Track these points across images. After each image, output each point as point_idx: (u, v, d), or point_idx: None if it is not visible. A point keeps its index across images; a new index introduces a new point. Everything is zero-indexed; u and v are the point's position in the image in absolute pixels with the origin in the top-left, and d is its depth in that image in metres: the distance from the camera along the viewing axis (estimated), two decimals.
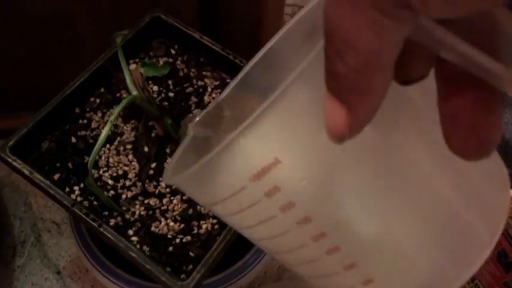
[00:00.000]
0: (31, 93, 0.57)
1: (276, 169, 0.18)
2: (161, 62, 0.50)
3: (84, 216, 0.40)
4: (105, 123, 0.47)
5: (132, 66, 0.39)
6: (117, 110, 0.38)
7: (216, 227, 0.41)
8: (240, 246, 0.47)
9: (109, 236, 0.39)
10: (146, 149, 0.45)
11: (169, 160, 0.34)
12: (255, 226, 0.21)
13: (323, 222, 0.20)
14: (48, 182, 0.42)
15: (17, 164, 0.42)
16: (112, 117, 0.37)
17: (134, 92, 0.39)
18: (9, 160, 0.42)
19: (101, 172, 0.44)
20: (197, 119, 0.26)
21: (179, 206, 0.43)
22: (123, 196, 0.43)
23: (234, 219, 0.22)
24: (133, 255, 0.38)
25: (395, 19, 0.14)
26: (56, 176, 0.43)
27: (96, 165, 0.44)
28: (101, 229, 0.39)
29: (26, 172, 0.42)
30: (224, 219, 0.22)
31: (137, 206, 0.42)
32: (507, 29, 0.16)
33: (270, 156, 0.18)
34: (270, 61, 0.27)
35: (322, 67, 0.16)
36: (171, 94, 0.48)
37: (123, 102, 0.38)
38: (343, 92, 0.16)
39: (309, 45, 0.26)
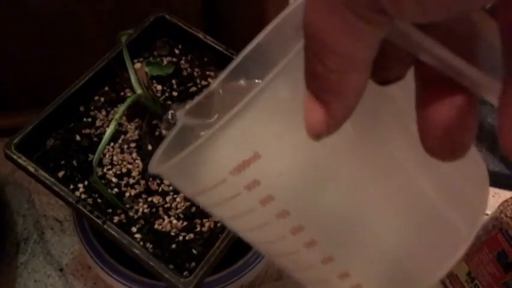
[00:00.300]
0: (34, 92, 0.58)
1: (256, 163, 0.19)
2: (165, 62, 0.50)
3: (88, 213, 0.40)
4: (110, 121, 0.47)
5: (137, 65, 0.40)
6: (122, 108, 0.38)
7: (219, 224, 0.42)
8: (241, 245, 0.47)
9: (113, 233, 0.40)
10: (150, 147, 0.45)
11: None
12: (236, 218, 0.22)
13: (301, 216, 0.21)
14: (52, 179, 0.42)
15: (22, 161, 0.42)
16: (117, 116, 0.38)
17: (139, 91, 0.40)
18: (15, 157, 0.42)
19: (105, 170, 0.45)
20: (186, 107, 0.27)
21: (182, 203, 0.43)
22: (127, 194, 0.43)
23: (215, 210, 0.22)
24: (137, 252, 0.39)
25: (371, 23, 0.15)
26: (61, 174, 0.44)
27: (100, 163, 0.45)
28: (105, 226, 0.40)
29: (31, 169, 0.42)
30: (207, 209, 0.23)
31: (141, 204, 0.43)
32: (485, 34, 0.16)
33: (249, 150, 0.19)
34: (259, 54, 0.27)
35: (303, 65, 0.17)
36: (174, 93, 0.49)
37: (128, 101, 0.38)
38: (321, 91, 0.16)
39: (297, 40, 0.27)
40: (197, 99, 0.27)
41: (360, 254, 0.22)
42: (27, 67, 0.59)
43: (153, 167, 0.23)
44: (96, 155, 0.38)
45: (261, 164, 0.19)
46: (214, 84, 0.27)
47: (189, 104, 0.27)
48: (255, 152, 0.19)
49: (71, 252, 0.59)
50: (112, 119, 0.47)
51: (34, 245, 0.60)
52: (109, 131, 0.37)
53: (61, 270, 0.58)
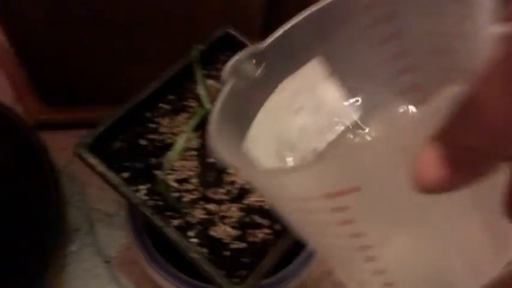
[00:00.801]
0: (103, 91, 0.61)
1: (353, 194, 0.19)
2: None
3: (152, 215, 0.43)
4: (172, 127, 0.50)
5: (210, 82, 0.42)
6: (193, 122, 0.41)
7: (271, 237, 0.44)
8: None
9: (173, 236, 0.42)
10: (209, 157, 0.48)
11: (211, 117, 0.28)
12: (306, 224, 0.22)
13: (374, 240, 0.22)
14: (118, 180, 0.45)
15: (93, 161, 0.45)
16: (188, 128, 0.40)
17: (208, 106, 0.43)
18: (85, 157, 0.45)
19: (165, 175, 0.47)
20: (231, 63, 0.27)
21: (237, 213, 0.46)
22: (185, 199, 0.46)
23: (286, 213, 0.23)
24: (195, 256, 0.41)
25: None
26: (125, 175, 0.47)
27: (161, 167, 0.48)
28: (167, 229, 0.42)
29: (101, 169, 0.45)
30: (273, 204, 0.23)
31: (198, 210, 0.46)
32: None
33: (353, 182, 0.19)
34: (283, 43, 0.27)
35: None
36: None
37: (199, 115, 0.41)
38: (457, 159, 0.16)
39: (318, 41, 0.27)
40: (243, 53, 0.27)
41: (410, 274, 0.24)
42: (98, 68, 0.62)
43: (223, 155, 0.22)
44: (166, 162, 0.41)
45: (357, 196, 0.19)
46: (264, 44, 0.27)
47: (235, 58, 0.27)
48: (357, 184, 0.19)
49: (118, 245, 0.62)
50: (174, 125, 0.50)
51: (84, 235, 0.63)
52: (180, 142, 0.40)
53: (108, 262, 0.61)
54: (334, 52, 0.28)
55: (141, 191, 0.46)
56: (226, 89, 0.26)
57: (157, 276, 0.52)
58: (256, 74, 0.27)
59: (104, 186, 0.65)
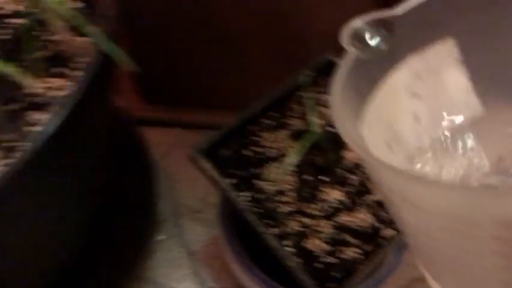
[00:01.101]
0: (201, 96, 0.67)
1: None
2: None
3: (255, 221, 0.48)
4: (272, 142, 0.55)
5: (324, 110, 0.47)
6: (304, 143, 0.45)
7: (361, 257, 0.48)
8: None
9: (273, 243, 0.47)
10: (307, 173, 0.52)
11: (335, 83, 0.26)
12: (442, 240, 0.21)
13: None
14: (228, 186, 0.50)
15: (206, 166, 0.50)
16: (299, 149, 0.45)
17: (317, 130, 0.47)
18: (200, 161, 0.51)
19: (265, 185, 0.52)
20: (349, 28, 0.24)
21: (329, 230, 0.50)
22: (282, 210, 0.51)
23: (406, 216, 0.21)
24: (292, 265, 0.46)
25: None
26: (232, 181, 0.52)
27: (261, 177, 0.52)
28: (268, 236, 0.47)
29: (213, 174, 0.50)
30: (388, 200, 0.22)
31: (294, 222, 0.50)
32: None
33: None
34: (416, 15, 0.24)
35: None
36: (331, 129, 0.55)
37: (310, 139, 0.45)
38: None
39: (456, 20, 0.24)
40: (368, 18, 0.24)
41: None
42: (197, 74, 0.68)
43: (340, 125, 0.21)
44: (270, 174, 0.45)
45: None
46: (395, 13, 0.24)
47: (357, 24, 0.24)
48: None
49: (203, 240, 0.67)
50: (275, 140, 0.55)
51: (170, 227, 0.69)
52: (290, 160, 0.44)
53: (192, 254, 0.66)
54: (472, 37, 0.25)
55: (243, 198, 0.51)
56: (348, 59, 0.24)
57: (243, 276, 0.56)
58: (380, 45, 0.24)
59: (192, 183, 0.71)
